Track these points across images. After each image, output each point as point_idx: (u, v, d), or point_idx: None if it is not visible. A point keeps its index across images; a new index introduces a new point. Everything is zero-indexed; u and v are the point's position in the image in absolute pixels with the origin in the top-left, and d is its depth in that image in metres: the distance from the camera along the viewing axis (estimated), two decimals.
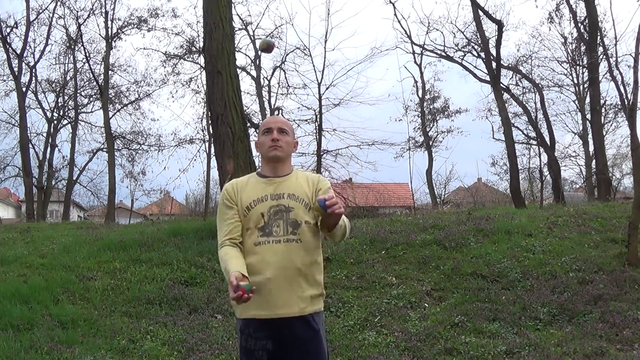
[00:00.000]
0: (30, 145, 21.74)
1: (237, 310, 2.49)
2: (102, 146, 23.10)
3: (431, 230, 8.67)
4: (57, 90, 23.67)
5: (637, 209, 7.14)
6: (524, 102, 20.70)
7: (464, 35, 21.22)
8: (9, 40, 20.63)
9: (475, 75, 21.19)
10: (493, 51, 18.08)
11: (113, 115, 22.39)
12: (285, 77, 20.96)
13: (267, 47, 3.00)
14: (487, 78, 19.54)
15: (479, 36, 19.04)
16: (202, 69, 19.01)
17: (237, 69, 10.44)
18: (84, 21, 21.69)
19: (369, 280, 6.75)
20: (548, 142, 19.33)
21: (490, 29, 18.95)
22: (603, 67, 18.86)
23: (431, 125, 25.48)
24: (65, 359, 4.62)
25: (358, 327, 5.53)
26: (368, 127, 60.73)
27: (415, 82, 24.92)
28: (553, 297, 6.03)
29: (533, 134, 21.02)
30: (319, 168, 18.72)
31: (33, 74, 22.44)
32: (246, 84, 22.85)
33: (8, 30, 20.58)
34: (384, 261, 7.41)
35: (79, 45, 22.00)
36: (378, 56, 31.94)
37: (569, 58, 22.68)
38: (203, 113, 20.32)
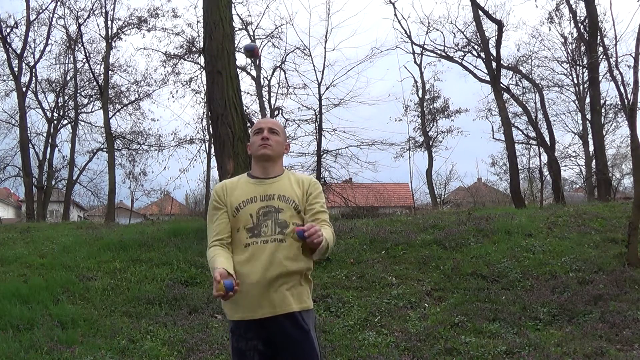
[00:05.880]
0: (30, 145, 21.72)
1: (228, 311, 2.49)
2: (102, 146, 23.09)
3: (431, 230, 8.67)
4: (57, 90, 23.66)
5: (637, 209, 7.14)
6: (524, 102, 20.71)
7: (464, 35, 21.23)
8: (9, 40, 20.64)
9: (475, 75, 21.19)
10: (493, 51, 18.09)
11: (113, 115, 22.40)
12: (285, 77, 20.90)
13: (251, 52, 3.05)
14: (487, 78, 19.53)
15: (479, 36, 19.04)
16: (202, 69, 18.99)
17: (237, 69, 10.43)
18: (84, 21, 21.72)
19: (369, 280, 6.74)
20: (548, 142, 19.32)
21: (490, 29, 18.99)
22: (603, 67, 18.88)
23: (431, 125, 25.42)
24: (65, 359, 4.62)
25: (358, 327, 5.53)
26: (368, 127, 61.00)
27: (415, 82, 24.88)
28: (553, 297, 6.03)
29: (533, 134, 21.01)
30: (319, 168, 18.71)
31: (33, 74, 22.46)
32: (246, 84, 22.85)
33: (8, 30, 20.61)
34: (384, 261, 7.41)
35: (79, 45, 22.01)
36: (378, 56, 31.86)
37: (569, 58, 22.70)
38: (203, 113, 20.34)
